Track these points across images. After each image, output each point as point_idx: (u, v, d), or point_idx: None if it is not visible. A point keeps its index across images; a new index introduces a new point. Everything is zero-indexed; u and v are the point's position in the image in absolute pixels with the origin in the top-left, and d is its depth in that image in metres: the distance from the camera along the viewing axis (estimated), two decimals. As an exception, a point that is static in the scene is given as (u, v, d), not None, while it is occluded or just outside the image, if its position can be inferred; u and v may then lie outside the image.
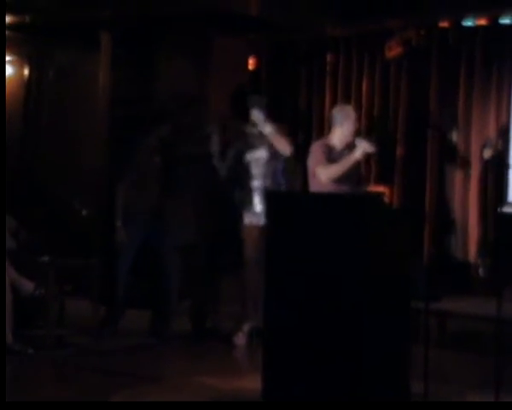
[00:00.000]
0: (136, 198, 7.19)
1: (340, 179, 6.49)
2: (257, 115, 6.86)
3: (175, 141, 7.48)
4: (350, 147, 6.61)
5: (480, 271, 8.06)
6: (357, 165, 6.67)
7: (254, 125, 6.90)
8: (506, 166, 7.80)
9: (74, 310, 7.44)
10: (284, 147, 6.88)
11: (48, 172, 9.28)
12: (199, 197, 7.36)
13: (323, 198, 5.16)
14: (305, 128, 9.05)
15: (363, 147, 6.50)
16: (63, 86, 9.38)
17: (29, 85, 9.61)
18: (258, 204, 6.91)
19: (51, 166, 9.32)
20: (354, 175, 6.65)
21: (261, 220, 6.79)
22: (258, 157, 6.95)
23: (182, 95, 7.72)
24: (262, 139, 6.95)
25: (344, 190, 6.50)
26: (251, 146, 7.00)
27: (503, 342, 5.00)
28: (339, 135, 6.66)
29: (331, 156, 6.58)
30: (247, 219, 6.96)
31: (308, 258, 4.71)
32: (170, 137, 7.39)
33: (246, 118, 6.99)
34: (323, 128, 8.96)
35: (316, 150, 6.64)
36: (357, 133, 6.83)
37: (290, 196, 5.28)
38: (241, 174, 7.00)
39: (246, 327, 6.96)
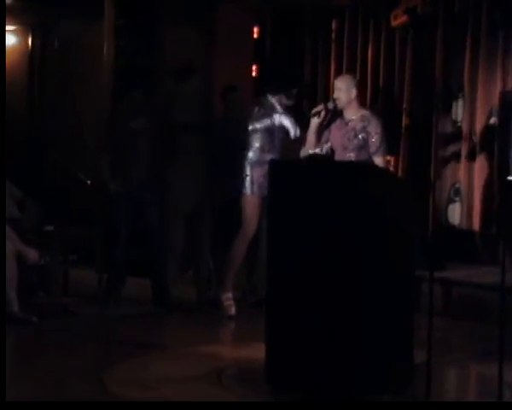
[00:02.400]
0: (123, 164, 7.18)
1: (336, 150, 6.62)
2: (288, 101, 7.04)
3: (168, 107, 7.44)
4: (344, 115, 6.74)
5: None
6: (356, 135, 6.64)
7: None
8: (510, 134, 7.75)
9: (79, 279, 7.49)
10: (294, 128, 7.00)
11: (52, 142, 9.28)
12: (200, 165, 7.32)
13: (327, 167, 5.14)
14: (309, 97, 9.02)
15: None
16: (67, 56, 9.35)
17: (32, 55, 9.58)
18: (256, 175, 6.89)
19: (55, 136, 9.32)
20: (354, 145, 6.63)
21: (261, 191, 6.80)
22: (259, 128, 6.95)
23: (179, 65, 7.67)
24: (267, 112, 6.96)
25: (342, 158, 6.55)
26: (254, 117, 6.99)
27: (507, 312, 4.99)
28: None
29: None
30: (247, 190, 6.93)
31: (312, 228, 4.70)
32: (150, 99, 7.36)
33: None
34: (328, 97, 8.93)
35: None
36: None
37: (294, 165, 5.26)
38: (241, 144, 6.99)
39: (230, 295, 6.98)
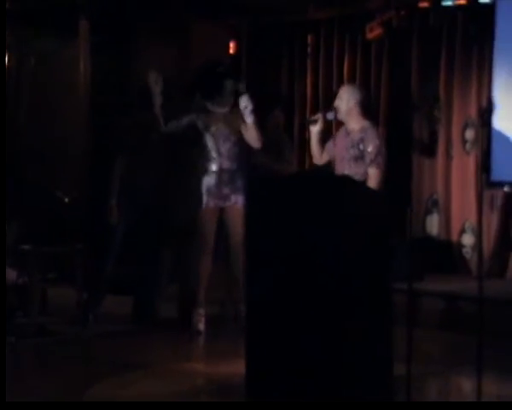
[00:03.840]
0: (131, 176, 7.17)
1: (336, 161, 6.67)
2: (246, 103, 6.72)
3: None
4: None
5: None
6: (353, 146, 6.65)
7: (237, 110, 6.81)
8: (488, 146, 7.80)
9: (58, 298, 7.44)
10: (256, 140, 6.77)
11: (28, 159, 9.23)
12: (190, 179, 7.34)
13: (302, 179, 5.15)
14: (286, 111, 9.04)
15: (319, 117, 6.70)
16: (43, 73, 9.32)
17: (8, 73, 9.54)
18: (221, 186, 6.82)
19: (32, 153, 9.27)
20: (350, 155, 6.66)
21: (223, 202, 6.77)
22: (219, 135, 6.87)
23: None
24: (222, 119, 6.88)
25: (340, 170, 6.58)
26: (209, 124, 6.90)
27: (486, 322, 5.02)
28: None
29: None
30: (205, 204, 6.84)
31: (289, 243, 4.70)
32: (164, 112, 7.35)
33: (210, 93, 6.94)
34: (305, 110, 8.97)
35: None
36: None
37: (270, 181, 5.28)
38: (202, 155, 6.91)
39: (202, 311, 6.93)
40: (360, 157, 6.60)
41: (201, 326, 6.90)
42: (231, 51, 9.24)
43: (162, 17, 8.67)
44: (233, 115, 6.85)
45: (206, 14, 8.70)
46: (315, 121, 6.71)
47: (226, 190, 6.78)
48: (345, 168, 6.61)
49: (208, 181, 6.85)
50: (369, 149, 6.59)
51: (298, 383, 4.68)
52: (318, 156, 6.84)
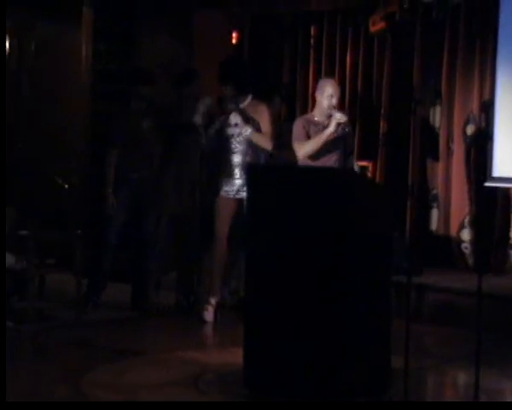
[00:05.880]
0: (125, 163, 7.17)
1: (320, 154, 6.51)
2: (235, 120, 6.83)
3: (168, 110, 7.45)
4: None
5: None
6: (340, 138, 6.62)
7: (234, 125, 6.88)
8: (489, 142, 7.80)
9: (57, 283, 7.43)
10: (265, 144, 6.82)
11: (29, 145, 9.21)
12: (189, 167, 7.34)
13: (305, 172, 5.16)
14: (288, 103, 9.03)
15: (336, 118, 6.50)
16: (45, 60, 9.30)
17: (10, 58, 9.52)
18: (236, 179, 6.87)
19: (33, 139, 9.26)
20: (337, 149, 6.62)
21: (237, 194, 6.80)
22: (239, 133, 6.90)
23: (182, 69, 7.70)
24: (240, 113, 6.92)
25: (328, 164, 6.51)
26: (234, 122, 6.95)
27: (484, 317, 5.02)
28: (317, 108, 6.69)
29: (313, 130, 6.58)
30: (223, 192, 6.92)
31: (289, 233, 4.71)
32: (156, 100, 7.35)
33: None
34: (307, 102, 8.96)
35: (296, 125, 6.68)
36: (339, 107, 6.78)
37: (271, 169, 5.28)
38: (222, 148, 6.96)
39: (213, 301, 6.94)
40: (343, 149, 6.63)
41: (209, 316, 6.88)
42: (233, 41, 9.22)
43: (165, 5, 8.65)
44: (249, 109, 6.90)
45: (208, 3, 8.68)
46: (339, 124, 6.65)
47: (241, 182, 6.79)
48: (332, 160, 6.58)
49: (227, 172, 6.89)
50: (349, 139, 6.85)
51: (295, 373, 4.69)
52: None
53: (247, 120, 6.83)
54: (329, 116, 6.56)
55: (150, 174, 7.24)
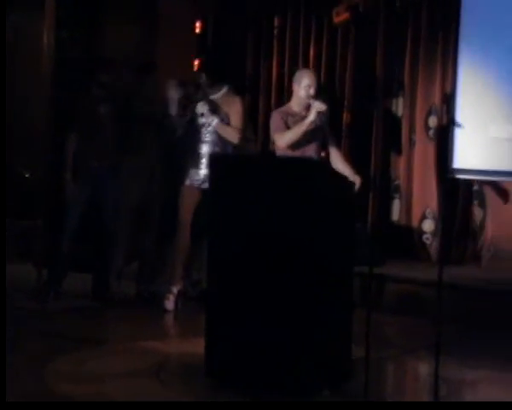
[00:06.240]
0: (84, 150, 7.13)
1: (300, 144, 6.51)
2: (201, 109, 6.82)
3: (127, 100, 7.42)
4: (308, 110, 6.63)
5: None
6: (319, 128, 6.62)
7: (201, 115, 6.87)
8: (450, 133, 7.86)
9: (18, 274, 7.38)
10: (231, 136, 6.82)
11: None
12: (151, 157, 7.32)
13: (266, 162, 5.16)
14: (251, 93, 9.03)
15: (315, 107, 6.51)
16: (7, 47, 9.20)
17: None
18: (203, 169, 6.87)
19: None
20: (316, 139, 6.63)
21: (202, 184, 6.80)
22: (209, 123, 6.89)
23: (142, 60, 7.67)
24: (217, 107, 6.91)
25: (307, 154, 6.53)
26: (200, 112, 6.93)
27: (445, 307, 5.07)
28: (295, 98, 6.69)
29: (291, 121, 6.59)
30: (189, 181, 6.92)
31: (252, 223, 4.71)
32: (115, 87, 7.31)
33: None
34: (271, 93, 8.97)
35: (274, 117, 6.67)
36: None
37: (233, 159, 5.28)
38: (192, 137, 6.95)
39: (175, 290, 6.94)
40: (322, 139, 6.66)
41: (170, 305, 6.88)
42: (197, 31, 9.19)
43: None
44: (223, 100, 6.89)
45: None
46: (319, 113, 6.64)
47: (208, 172, 6.79)
48: (312, 150, 6.61)
49: (194, 161, 6.89)
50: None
51: (256, 363, 4.70)
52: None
53: (214, 110, 6.82)
54: (307, 106, 6.57)
55: (110, 163, 7.20)
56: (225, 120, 6.84)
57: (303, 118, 6.54)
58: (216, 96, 6.89)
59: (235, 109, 6.86)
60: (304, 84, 6.61)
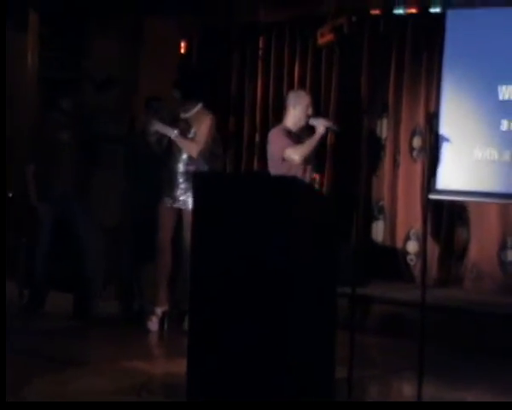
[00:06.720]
0: (48, 176, 7.12)
1: (307, 160, 6.59)
2: (157, 126, 6.82)
3: (90, 119, 7.41)
4: (304, 131, 6.70)
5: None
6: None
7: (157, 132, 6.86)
8: (435, 154, 7.88)
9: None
10: (189, 149, 6.82)
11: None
12: (122, 177, 7.30)
13: (250, 180, 5.15)
14: (236, 114, 9.04)
15: (322, 123, 6.61)
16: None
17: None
18: (176, 187, 6.85)
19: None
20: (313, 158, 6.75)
21: (175, 203, 6.79)
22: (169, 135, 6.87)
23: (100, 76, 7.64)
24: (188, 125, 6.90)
25: (307, 172, 6.61)
26: (153, 130, 6.90)
27: (428, 328, 5.07)
28: (292, 118, 6.71)
29: (290, 139, 6.63)
30: (164, 201, 6.89)
31: (235, 241, 4.69)
32: (76, 112, 7.30)
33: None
34: (255, 114, 8.98)
35: (277, 136, 6.69)
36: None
37: (216, 177, 5.27)
38: (164, 155, 6.93)
39: (159, 311, 6.92)
40: None
41: (153, 326, 6.88)
42: (182, 51, 9.20)
43: (114, 12, 8.61)
44: (194, 116, 6.89)
45: (158, 11, 8.66)
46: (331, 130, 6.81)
47: (181, 192, 6.79)
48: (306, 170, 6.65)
49: (167, 180, 6.88)
50: None
51: (238, 385, 4.67)
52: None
53: (174, 122, 6.81)
54: (303, 128, 6.68)
55: (75, 186, 7.17)
56: (184, 133, 6.82)
57: (299, 137, 6.59)
58: (188, 114, 6.90)
59: (203, 125, 6.87)
60: (302, 106, 6.68)
